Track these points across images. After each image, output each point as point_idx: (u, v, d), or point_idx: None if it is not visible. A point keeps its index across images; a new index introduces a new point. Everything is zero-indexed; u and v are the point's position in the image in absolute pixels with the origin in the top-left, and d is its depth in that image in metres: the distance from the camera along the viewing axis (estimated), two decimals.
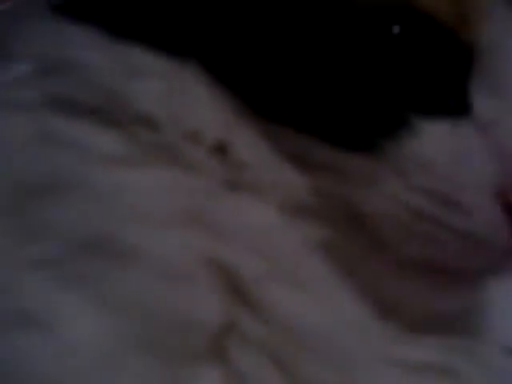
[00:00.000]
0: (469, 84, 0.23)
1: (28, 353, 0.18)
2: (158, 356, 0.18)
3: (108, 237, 0.19)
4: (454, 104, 0.22)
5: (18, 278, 0.19)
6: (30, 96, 0.23)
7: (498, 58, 0.22)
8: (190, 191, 0.20)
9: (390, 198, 0.21)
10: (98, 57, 0.22)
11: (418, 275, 0.22)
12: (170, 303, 0.18)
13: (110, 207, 0.20)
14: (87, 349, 0.18)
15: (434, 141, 0.22)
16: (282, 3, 0.22)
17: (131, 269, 0.18)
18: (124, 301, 0.18)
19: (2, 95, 0.24)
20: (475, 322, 0.24)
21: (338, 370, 0.19)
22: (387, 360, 0.21)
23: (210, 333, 0.18)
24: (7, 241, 0.20)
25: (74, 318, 0.18)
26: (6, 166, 0.22)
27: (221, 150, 0.21)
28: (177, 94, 0.21)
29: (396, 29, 0.21)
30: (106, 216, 0.20)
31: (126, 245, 0.19)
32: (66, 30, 0.24)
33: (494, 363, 0.24)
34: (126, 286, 0.18)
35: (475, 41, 0.22)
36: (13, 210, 0.21)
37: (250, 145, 0.21)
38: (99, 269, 0.19)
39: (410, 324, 0.22)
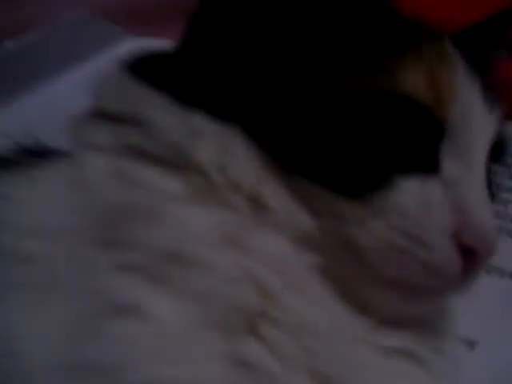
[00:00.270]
0: (440, 149, 0.28)
1: (132, 335, 0.24)
2: (220, 331, 0.24)
3: (181, 251, 0.25)
4: (426, 164, 0.28)
5: (111, 278, 0.25)
6: (107, 140, 0.29)
7: (464, 130, 0.28)
8: (230, 224, 0.26)
9: (375, 234, 0.27)
10: (168, 118, 0.28)
11: (392, 288, 0.27)
12: (225, 296, 0.25)
13: (178, 231, 0.26)
14: (175, 329, 0.24)
15: (409, 193, 0.27)
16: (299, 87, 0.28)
17: (199, 273, 0.24)
18: (197, 294, 0.24)
19: (83, 137, 0.30)
20: (438, 321, 0.30)
21: (330, 348, 0.25)
22: (366, 345, 0.26)
23: (250, 316, 0.24)
24: (100, 250, 0.26)
25: (163, 307, 0.24)
26: (92, 194, 0.27)
27: (254, 198, 0.27)
28: (225, 152, 0.27)
29: (384, 108, 0.27)
30: (178, 236, 0.25)
31: (195, 257, 0.25)
32: (142, 90, 0.29)
33: (453, 354, 0.29)
34: (198, 284, 0.24)
35: (447, 116, 0.27)
36: (103, 227, 0.26)
37: (274, 194, 0.27)
38: (177, 272, 0.25)
39: (385, 321, 0.28)
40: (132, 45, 0.66)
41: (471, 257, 0.27)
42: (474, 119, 0.29)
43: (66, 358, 0.25)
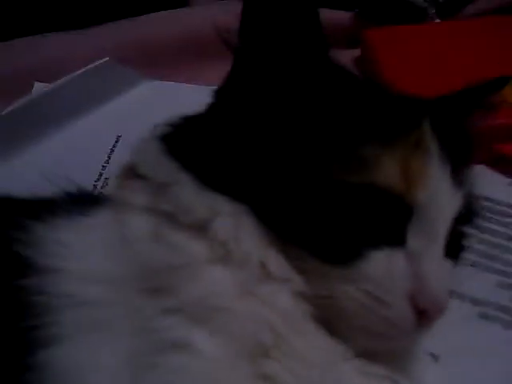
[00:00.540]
0: (407, 227, 0.34)
1: (184, 365, 0.31)
2: (246, 358, 0.31)
3: (212, 301, 0.32)
4: (393, 239, 0.34)
5: (159, 320, 0.32)
6: (145, 204, 0.35)
7: (430, 210, 0.33)
8: (246, 281, 0.33)
9: (348, 294, 0.33)
10: (193, 198, 0.34)
11: (364, 334, 0.34)
12: (247, 334, 0.31)
13: (208, 286, 0.32)
14: (216, 358, 0.31)
15: (376, 262, 0.33)
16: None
17: (228, 317, 0.31)
18: (229, 333, 0.31)
19: (124, 193, 0.37)
20: (406, 353, 0.37)
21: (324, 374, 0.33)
22: (352, 370, 0.34)
23: (265, 347, 0.32)
24: (146, 297, 0.32)
25: (206, 342, 0.31)
26: (138, 251, 0.34)
27: (261, 262, 0.33)
28: (238, 228, 0.33)
29: (360, 197, 0.33)
30: (209, 289, 0.32)
31: (224, 305, 0.32)
32: (172, 166, 0.35)
33: (423, 378, 0.37)
34: (229, 325, 0.31)
35: (416, 200, 0.33)
36: (147, 279, 0.33)
37: (275, 261, 0.33)
38: (211, 316, 0.31)
39: (364, 354, 0.35)
40: (149, 87, 0.72)
41: (424, 315, 0.33)
42: (439, 200, 0.34)
43: None
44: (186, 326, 0.32)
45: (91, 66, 0.67)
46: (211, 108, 0.38)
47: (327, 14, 0.75)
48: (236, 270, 0.33)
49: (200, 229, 0.33)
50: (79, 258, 0.34)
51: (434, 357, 0.41)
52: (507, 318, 0.47)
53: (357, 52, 0.78)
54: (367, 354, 0.35)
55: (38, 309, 0.32)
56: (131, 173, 0.38)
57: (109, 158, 0.64)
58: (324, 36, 0.36)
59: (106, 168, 0.63)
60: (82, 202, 0.39)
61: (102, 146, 0.65)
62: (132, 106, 0.69)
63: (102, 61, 0.68)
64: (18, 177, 0.54)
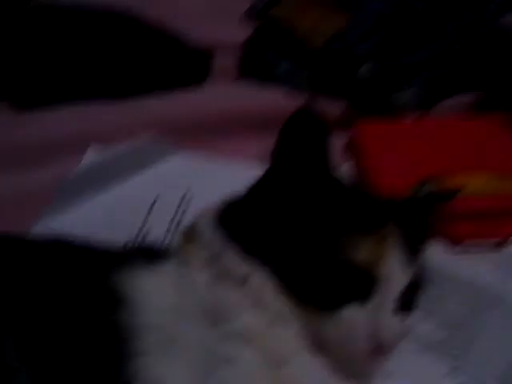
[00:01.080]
0: (372, 291, 0.45)
1: (232, 374, 0.42)
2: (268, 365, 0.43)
3: (248, 332, 0.44)
4: (363, 299, 0.45)
5: (217, 342, 0.43)
6: (203, 262, 0.47)
7: (388, 280, 0.45)
8: (266, 323, 0.44)
9: (332, 331, 0.45)
10: (235, 265, 0.46)
11: (338, 357, 0.45)
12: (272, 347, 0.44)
13: (246, 323, 0.45)
14: (253, 368, 0.43)
15: (348, 313, 0.45)
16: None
17: (257, 346, 0.44)
18: (258, 351, 0.43)
19: (186, 250, 0.49)
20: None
21: None
22: None
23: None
24: (208, 326, 0.44)
25: (246, 357, 0.43)
26: (200, 295, 0.45)
27: (279, 309, 0.45)
28: (264, 285, 0.45)
29: (343, 272, 0.44)
30: (248, 323, 0.45)
31: (255, 336, 0.44)
32: (223, 238, 0.47)
33: None
34: (260, 343, 0.44)
35: (379, 273, 0.45)
36: (207, 314, 0.44)
37: (287, 311, 0.45)
38: (247, 340, 0.44)
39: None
40: (181, 158, 0.81)
41: (378, 350, 0.44)
42: (394, 275, 0.45)
43: None
44: (234, 346, 0.43)
45: (137, 140, 0.77)
46: (249, 195, 0.49)
47: (323, 102, 0.89)
48: (262, 312, 0.44)
49: (240, 282, 0.45)
50: (156, 297, 0.44)
51: (389, 373, 0.50)
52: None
53: (346, 137, 0.87)
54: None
55: (129, 331, 0.42)
56: (192, 233, 0.49)
57: (148, 215, 0.72)
58: (329, 158, 0.47)
59: (146, 224, 0.71)
60: (152, 254, 0.49)
61: (142, 206, 0.73)
62: (166, 173, 0.79)
63: (146, 136, 0.77)
64: (74, 226, 0.60)
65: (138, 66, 0.97)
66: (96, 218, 0.70)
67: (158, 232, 0.70)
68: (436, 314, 0.60)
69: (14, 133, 0.84)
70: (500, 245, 0.67)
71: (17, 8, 1.12)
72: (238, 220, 0.48)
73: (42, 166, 0.78)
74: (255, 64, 1.02)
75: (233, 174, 0.69)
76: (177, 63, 0.99)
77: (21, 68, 0.95)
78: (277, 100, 0.91)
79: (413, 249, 0.48)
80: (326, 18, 1.02)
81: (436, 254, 0.61)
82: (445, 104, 0.95)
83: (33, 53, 0.95)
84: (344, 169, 0.81)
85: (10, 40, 0.97)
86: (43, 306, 0.43)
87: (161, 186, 0.76)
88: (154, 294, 0.45)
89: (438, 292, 0.61)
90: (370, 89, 0.90)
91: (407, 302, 0.47)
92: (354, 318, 0.44)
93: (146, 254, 0.50)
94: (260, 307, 0.45)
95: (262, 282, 0.45)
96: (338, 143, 0.88)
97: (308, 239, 0.45)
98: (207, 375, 0.42)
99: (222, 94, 0.94)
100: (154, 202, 0.74)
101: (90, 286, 0.45)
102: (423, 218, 0.52)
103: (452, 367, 0.56)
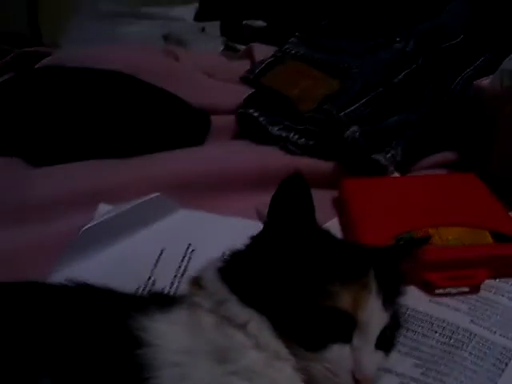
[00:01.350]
0: (354, 332, 0.51)
1: None
2: None
3: (258, 369, 0.50)
4: (345, 339, 0.50)
5: (225, 378, 0.48)
6: (209, 307, 0.53)
7: (367, 323, 0.51)
8: (265, 360, 0.50)
9: (318, 368, 0.51)
10: (238, 312, 0.52)
11: None
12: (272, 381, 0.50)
13: (252, 360, 0.51)
14: None
15: (332, 351, 0.50)
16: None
17: (261, 378, 0.49)
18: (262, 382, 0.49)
19: (195, 297, 0.54)
20: None
21: None
22: None
23: None
24: (217, 364, 0.49)
25: None
26: (209, 337, 0.51)
27: (275, 350, 0.50)
28: (261, 329, 0.51)
29: (325, 317, 0.50)
30: (252, 362, 0.50)
31: (266, 372, 0.50)
32: (224, 290, 0.53)
33: None
34: (262, 379, 0.50)
35: (359, 317, 0.50)
36: (216, 354, 0.50)
37: (282, 349, 0.51)
38: (252, 376, 0.49)
39: None
40: (184, 214, 0.87)
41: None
42: (373, 318, 0.50)
43: None
44: (240, 381, 0.48)
45: (145, 198, 0.82)
46: (246, 251, 0.55)
47: (314, 163, 0.99)
48: (262, 353, 0.49)
49: (242, 327, 0.50)
50: (171, 339, 0.50)
51: None
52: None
53: (335, 193, 0.93)
54: None
55: (148, 367, 0.47)
56: (199, 283, 0.55)
57: (154, 266, 0.77)
58: (313, 210, 0.54)
59: (153, 274, 0.76)
60: (163, 299, 0.56)
61: (149, 258, 0.78)
62: (171, 227, 0.84)
63: (153, 195, 0.83)
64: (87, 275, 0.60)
65: (144, 124, 1.02)
66: (107, 268, 0.75)
67: (164, 281, 0.76)
68: (412, 353, 0.67)
69: (27, 187, 0.88)
70: (473, 291, 0.74)
71: (25, 68, 1.23)
72: (236, 274, 0.54)
73: (55, 220, 0.82)
74: (250, 126, 1.10)
75: (231, 228, 0.77)
76: (180, 122, 1.05)
77: (33, 126, 1.01)
78: (271, 159, 0.99)
79: (391, 292, 0.54)
80: (317, 86, 1.11)
81: (412, 298, 0.69)
82: (423, 162, 1.02)
83: (45, 111, 1.01)
84: (333, 223, 0.87)
85: (23, 99, 1.04)
86: (74, 342, 0.49)
87: (166, 240, 0.82)
88: (168, 335, 0.50)
89: (413, 334, 0.69)
90: (356, 149, 0.96)
91: (386, 340, 0.53)
92: (337, 356, 0.50)
93: (158, 299, 0.56)
94: (259, 348, 0.50)
95: (259, 327, 0.51)
96: (327, 200, 0.95)
97: (296, 289, 0.51)
98: None
99: (221, 154, 1.00)
100: (160, 254, 0.80)
101: (112, 326, 0.51)
102: (402, 262, 0.58)
103: None
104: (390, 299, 0.53)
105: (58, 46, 1.39)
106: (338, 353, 0.50)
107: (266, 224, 0.56)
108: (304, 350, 0.50)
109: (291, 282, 0.51)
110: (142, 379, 0.47)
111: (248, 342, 0.50)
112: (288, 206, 0.53)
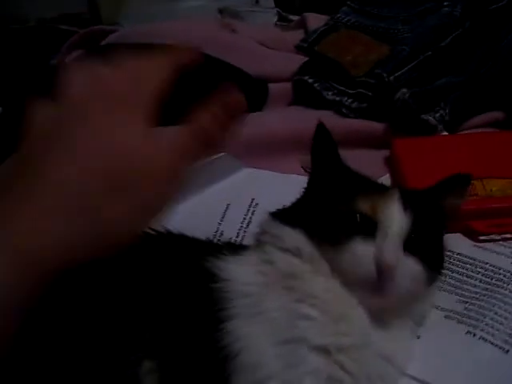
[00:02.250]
0: (375, 229, 0.56)
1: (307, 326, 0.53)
2: None
3: (313, 293, 0.56)
4: (368, 235, 0.56)
5: (292, 305, 0.55)
6: (273, 244, 0.60)
7: (386, 223, 0.57)
8: (305, 270, 0.57)
9: (346, 259, 0.56)
10: (288, 235, 0.59)
11: (354, 285, 0.55)
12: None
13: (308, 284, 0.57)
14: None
15: (356, 245, 0.56)
16: None
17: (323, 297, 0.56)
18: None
19: (262, 238, 0.62)
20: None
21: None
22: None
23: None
24: (285, 292, 0.56)
25: (309, 310, 0.54)
26: (277, 268, 0.58)
27: (311, 259, 0.58)
28: (301, 248, 0.59)
29: (349, 219, 0.58)
30: (309, 288, 0.56)
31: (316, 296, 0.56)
32: (278, 224, 0.61)
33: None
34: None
35: (379, 218, 0.56)
36: (283, 281, 0.56)
37: (317, 258, 0.58)
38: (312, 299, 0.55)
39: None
40: (249, 174, 0.93)
41: (381, 275, 0.52)
42: (394, 221, 0.55)
43: (274, 344, 0.51)
44: (304, 306, 0.54)
45: (213, 157, 0.85)
46: (298, 200, 0.64)
47: (367, 125, 1.03)
48: (319, 277, 0.56)
49: (293, 252, 0.57)
50: (242, 274, 0.56)
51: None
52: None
53: (386, 153, 0.98)
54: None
55: (222, 299, 0.53)
56: (262, 231, 0.62)
57: (221, 219, 0.85)
58: (336, 149, 0.63)
59: (220, 227, 0.84)
60: (234, 246, 0.64)
61: (217, 212, 0.86)
62: (236, 184, 0.91)
63: (220, 154, 0.86)
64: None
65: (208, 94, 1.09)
66: (179, 222, 0.76)
67: (230, 233, 0.84)
68: (456, 291, 0.74)
69: None
70: None
71: (92, 46, 1.29)
72: (285, 210, 0.64)
73: None
74: (305, 92, 1.16)
75: (290, 184, 0.81)
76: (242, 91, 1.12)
77: None
78: (327, 123, 1.03)
79: (422, 216, 0.58)
80: (369, 51, 1.16)
81: (457, 244, 0.76)
82: (471, 122, 1.04)
83: None
84: (385, 179, 0.93)
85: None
86: (161, 280, 0.57)
87: (231, 196, 0.89)
88: (240, 272, 0.57)
89: (458, 274, 0.77)
90: (406, 110, 1.00)
91: (413, 247, 0.56)
92: (359, 248, 0.55)
93: (229, 246, 0.63)
94: (318, 272, 0.57)
95: (310, 249, 0.58)
96: (379, 158, 1.01)
97: (330, 202, 0.59)
98: (287, 329, 0.53)
99: (280, 118, 1.05)
100: (227, 208, 0.87)
101: (192, 268, 0.58)
102: (445, 199, 0.63)
103: (469, 330, 0.68)
104: (418, 217, 0.57)
105: (119, 25, 1.44)
106: (362, 245, 0.55)
107: (312, 172, 0.65)
108: (333, 247, 0.56)
109: (326, 201, 0.60)
110: (219, 309, 0.53)
111: (307, 267, 0.56)
112: (319, 150, 0.63)
